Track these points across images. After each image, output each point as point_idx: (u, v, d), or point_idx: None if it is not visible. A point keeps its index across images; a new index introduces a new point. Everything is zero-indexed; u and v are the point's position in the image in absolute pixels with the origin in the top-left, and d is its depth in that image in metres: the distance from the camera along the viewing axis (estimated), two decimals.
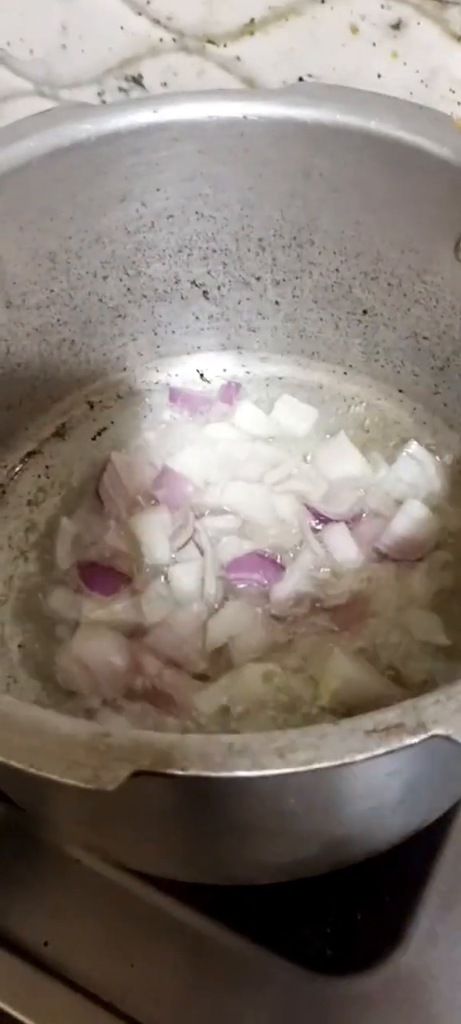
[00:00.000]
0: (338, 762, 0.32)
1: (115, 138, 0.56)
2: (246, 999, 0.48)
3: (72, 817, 0.45)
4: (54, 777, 0.32)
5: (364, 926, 0.51)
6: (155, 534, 0.61)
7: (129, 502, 0.63)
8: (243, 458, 0.66)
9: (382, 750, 0.32)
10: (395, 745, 0.32)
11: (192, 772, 0.32)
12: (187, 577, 0.59)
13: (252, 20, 0.63)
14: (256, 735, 0.33)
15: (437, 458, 0.64)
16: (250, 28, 0.63)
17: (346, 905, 0.51)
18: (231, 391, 0.70)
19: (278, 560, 0.60)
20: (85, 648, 0.56)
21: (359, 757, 0.32)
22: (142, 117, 0.56)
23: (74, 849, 0.52)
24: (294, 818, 0.40)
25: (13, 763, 0.33)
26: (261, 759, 0.32)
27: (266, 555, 0.60)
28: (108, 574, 0.60)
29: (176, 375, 0.71)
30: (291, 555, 0.60)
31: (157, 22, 0.66)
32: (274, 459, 0.65)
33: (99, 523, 0.63)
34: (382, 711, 0.33)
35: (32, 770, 0.33)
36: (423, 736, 0.32)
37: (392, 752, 0.32)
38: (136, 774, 0.32)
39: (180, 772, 0.32)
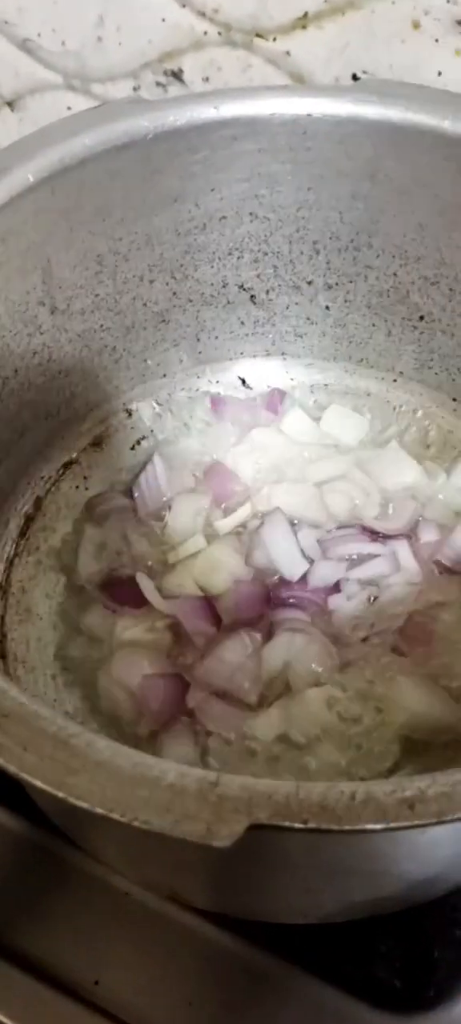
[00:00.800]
0: None
1: (173, 135, 0.53)
2: None
3: (152, 863, 0.43)
4: (166, 832, 0.30)
5: (436, 961, 0.49)
6: (188, 517, 0.59)
7: (162, 505, 0.60)
8: (293, 466, 0.63)
9: None
10: None
11: (313, 825, 0.30)
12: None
13: (305, 14, 0.60)
14: (378, 782, 0.31)
15: None
16: (303, 22, 0.61)
17: (415, 940, 0.49)
18: (276, 399, 0.67)
19: None
20: (125, 671, 0.53)
21: None
22: (202, 113, 0.53)
23: (123, 882, 0.50)
24: (395, 861, 0.38)
25: (116, 816, 0.30)
26: (389, 811, 0.30)
27: None
28: (135, 586, 0.56)
29: (217, 382, 0.68)
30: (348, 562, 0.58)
31: (202, 14, 0.64)
32: (326, 470, 0.63)
33: (129, 528, 0.59)
34: None
35: (137, 823, 0.30)
36: None
37: None
38: (252, 827, 0.30)
39: (300, 825, 0.30)
